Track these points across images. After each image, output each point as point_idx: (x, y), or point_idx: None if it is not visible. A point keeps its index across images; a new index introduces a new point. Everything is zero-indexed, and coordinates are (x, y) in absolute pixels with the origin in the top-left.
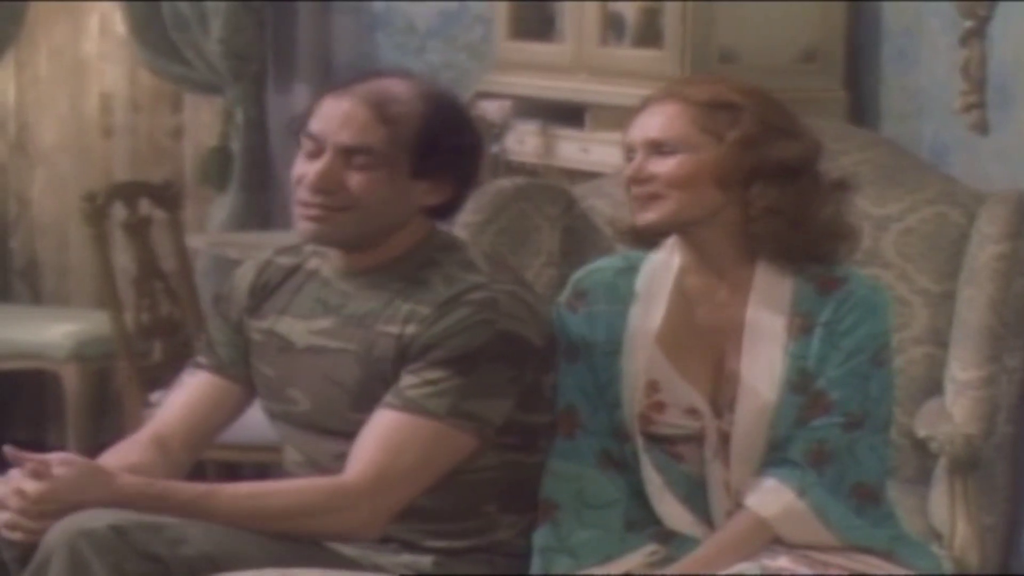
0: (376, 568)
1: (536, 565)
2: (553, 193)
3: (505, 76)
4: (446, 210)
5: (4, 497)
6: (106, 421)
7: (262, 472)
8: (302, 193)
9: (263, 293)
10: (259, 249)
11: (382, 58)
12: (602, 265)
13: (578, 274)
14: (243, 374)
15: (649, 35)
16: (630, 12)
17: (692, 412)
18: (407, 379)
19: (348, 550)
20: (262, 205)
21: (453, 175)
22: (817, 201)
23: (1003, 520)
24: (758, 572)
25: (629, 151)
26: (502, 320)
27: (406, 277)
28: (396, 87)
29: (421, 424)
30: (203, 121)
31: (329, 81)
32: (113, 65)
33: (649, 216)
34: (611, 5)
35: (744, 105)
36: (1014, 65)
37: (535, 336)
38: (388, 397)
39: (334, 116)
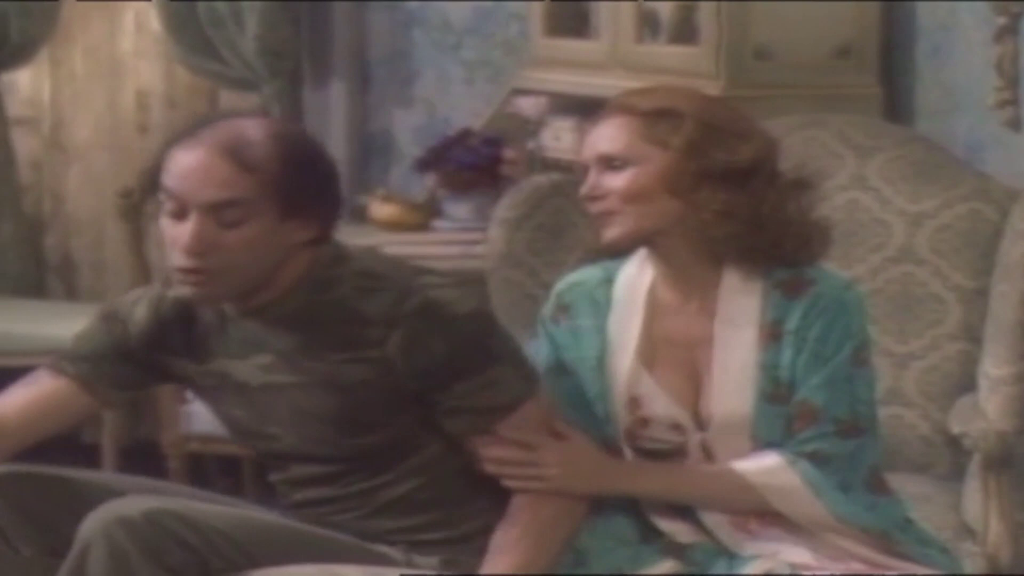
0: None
1: None
2: None
3: (541, 73)
4: (320, 240)
5: None
6: (141, 418)
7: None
8: (178, 258)
9: (170, 333)
10: None
11: (417, 55)
12: (582, 277)
13: (559, 287)
14: (103, 390)
15: (684, 32)
16: (665, 9)
17: (675, 427)
18: (471, 396)
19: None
20: None
21: (319, 208)
22: (773, 201)
23: None
24: (788, 572)
25: (584, 167)
26: (458, 300)
27: (314, 304)
28: (247, 131)
29: (521, 412)
30: None
31: (180, 133)
32: (149, 62)
33: (610, 233)
34: (646, 2)
35: (686, 111)
36: None
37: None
38: (472, 426)
39: (192, 172)
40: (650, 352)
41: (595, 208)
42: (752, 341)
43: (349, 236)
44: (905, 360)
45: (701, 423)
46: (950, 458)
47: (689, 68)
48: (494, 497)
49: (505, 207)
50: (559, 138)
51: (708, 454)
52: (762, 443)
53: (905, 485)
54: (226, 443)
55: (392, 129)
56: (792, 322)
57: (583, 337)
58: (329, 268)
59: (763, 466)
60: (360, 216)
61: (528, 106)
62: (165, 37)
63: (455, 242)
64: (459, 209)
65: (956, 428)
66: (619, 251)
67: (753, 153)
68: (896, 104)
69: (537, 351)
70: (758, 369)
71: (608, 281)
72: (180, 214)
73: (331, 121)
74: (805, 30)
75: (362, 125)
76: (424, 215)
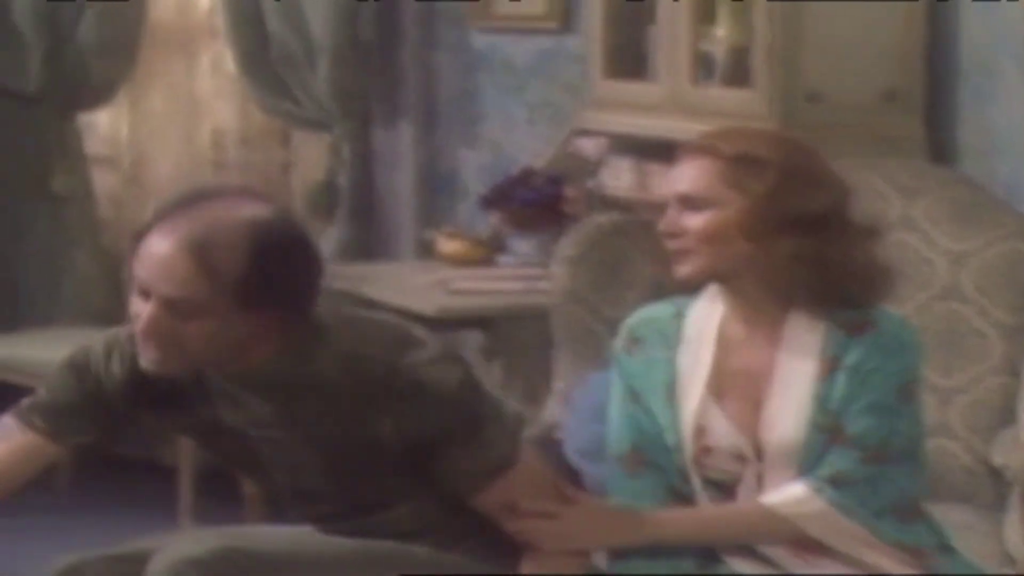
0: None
1: None
2: (647, 229)
3: (601, 114)
4: (291, 322)
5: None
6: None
7: None
8: (137, 333)
9: (160, 385)
10: (365, 281)
11: (483, 96)
12: (654, 312)
13: (631, 320)
14: (72, 440)
15: (738, 75)
16: (719, 51)
17: (737, 456)
18: (463, 462)
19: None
20: (367, 237)
21: (290, 297)
22: (846, 248)
23: None
24: None
25: (665, 200)
26: (443, 376)
27: (290, 377)
28: (221, 224)
29: (514, 470)
30: (311, 156)
31: (162, 212)
32: (224, 102)
33: (683, 270)
34: (701, 44)
35: (769, 158)
36: None
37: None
38: (466, 487)
39: (156, 264)
40: (717, 384)
41: (671, 245)
42: (811, 374)
43: (417, 271)
44: (949, 394)
45: (760, 454)
46: (993, 489)
47: (743, 110)
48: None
49: (567, 246)
50: (618, 177)
51: (761, 484)
52: (805, 472)
53: (949, 514)
54: None
55: (458, 168)
56: (851, 358)
57: (654, 368)
58: (307, 344)
59: (791, 496)
60: (427, 251)
61: (589, 146)
62: (240, 78)
63: (518, 277)
64: (522, 245)
65: (998, 460)
66: (691, 287)
67: (829, 201)
68: (940, 146)
69: (598, 382)
70: (813, 400)
71: (679, 316)
72: (144, 295)
73: (400, 160)
74: (854, 73)
75: (429, 164)
76: (489, 250)
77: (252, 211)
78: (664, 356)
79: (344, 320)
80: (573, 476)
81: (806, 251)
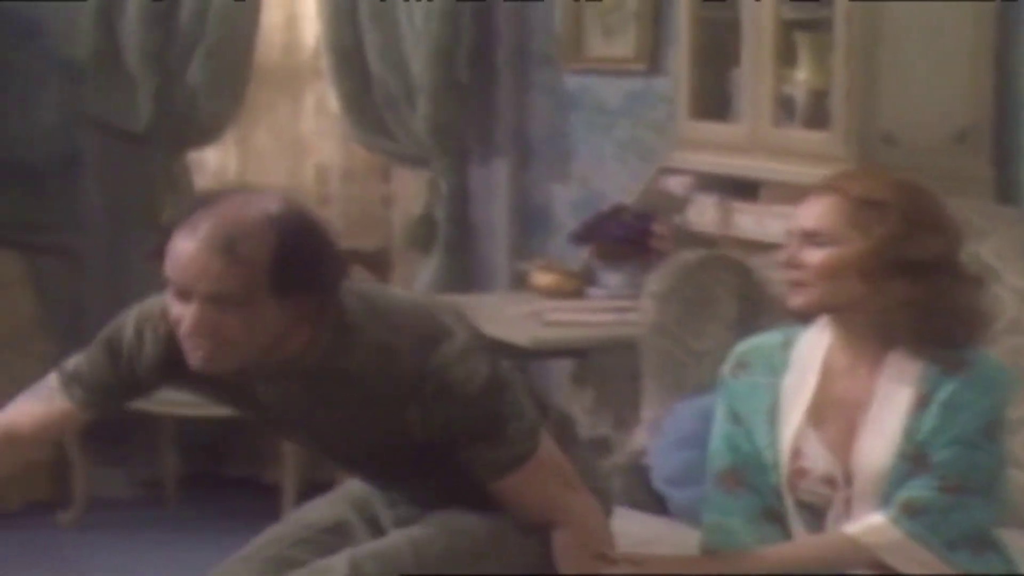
0: None
1: None
2: (731, 265)
3: (687, 153)
4: (325, 305)
5: None
6: (322, 460)
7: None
8: (183, 336)
9: (184, 366)
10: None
11: (574, 134)
12: (763, 340)
13: (741, 346)
14: (101, 412)
15: (817, 117)
16: (799, 94)
17: (828, 481)
18: (484, 454)
19: None
20: (464, 268)
21: (317, 282)
22: (954, 294)
23: None
24: None
25: (789, 236)
26: (471, 375)
27: (324, 368)
28: (241, 219)
29: (534, 464)
30: (410, 191)
31: (183, 217)
32: (328, 139)
33: (796, 301)
34: (783, 87)
35: (893, 203)
36: None
37: (480, 346)
38: (486, 475)
39: (188, 265)
40: (816, 410)
41: (789, 276)
42: (905, 407)
43: (511, 302)
44: (1016, 425)
45: (849, 479)
46: None
47: (822, 151)
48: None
49: (655, 282)
50: (703, 214)
51: (848, 510)
52: (887, 499)
53: (1015, 541)
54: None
55: (551, 203)
56: (943, 393)
57: (758, 391)
58: (340, 336)
59: (869, 526)
60: (521, 282)
61: (675, 184)
62: (343, 116)
63: (608, 309)
64: (612, 278)
65: None
66: (803, 318)
67: (944, 247)
68: (1008, 186)
69: (684, 411)
70: (903, 432)
71: (787, 344)
72: (183, 297)
73: (495, 195)
74: (927, 116)
75: (523, 199)
76: (580, 283)
77: (264, 204)
78: (768, 381)
79: (376, 311)
80: (660, 502)
81: (916, 295)
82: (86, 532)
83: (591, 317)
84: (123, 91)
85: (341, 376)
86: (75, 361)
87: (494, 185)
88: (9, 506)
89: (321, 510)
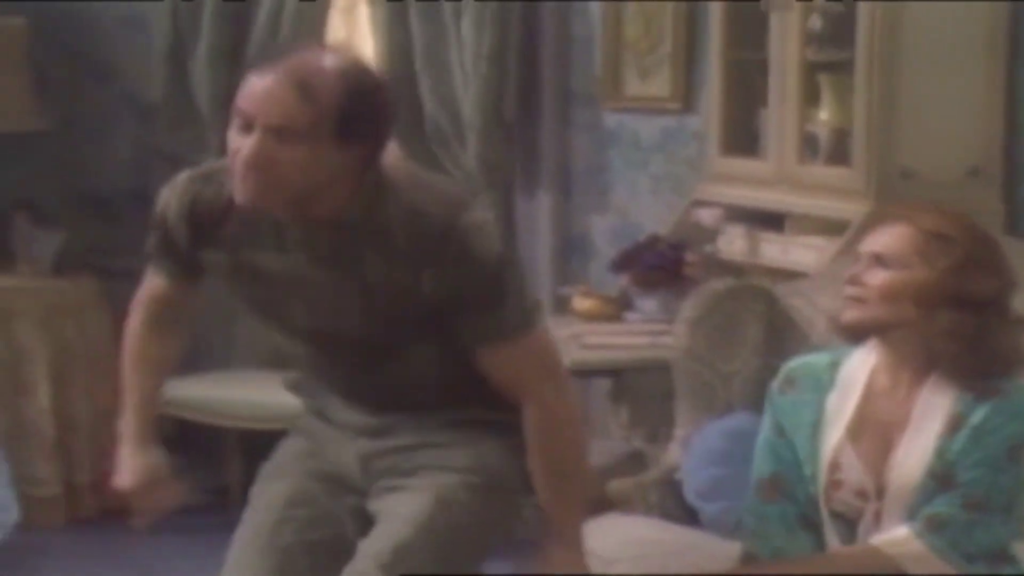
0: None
1: None
2: (758, 293)
3: (717, 187)
4: (370, 160)
5: None
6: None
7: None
8: (238, 166)
9: (205, 225)
10: None
11: (612, 168)
12: (811, 359)
13: (791, 364)
14: (185, 280)
15: (839, 154)
16: (823, 132)
17: (860, 493)
18: (482, 320)
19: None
20: None
21: (374, 135)
22: (999, 333)
23: None
24: None
25: (858, 256)
26: (489, 245)
27: (359, 224)
28: (317, 63)
29: (526, 341)
30: None
31: (259, 59)
32: None
33: (850, 315)
34: (807, 126)
35: (958, 239)
36: None
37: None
38: (479, 342)
39: (261, 96)
40: (856, 427)
41: (849, 291)
42: (938, 429)
43: (553, 325)
44: None
45: (881, 493)
46: None
47: (843, 186)
48: (488, 400)
49: (688, 309)
50: (732, 244)
51: (878, 520)
52: (915, 513)
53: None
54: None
55: (590, 233)
56: (975, 418)
57: (803, 407)
58: (378, 193)
59: (894, 538)
60: (563, 306)
61: (706, 216)
62: (398, 153)
63: (644, 332)
64: (647, 304)
65: None
66: (854, 333)
67: (997, 288)
68: (1016, 218)
69: (714, 429)
70: (935, 452)
71: (834, 364)
72: (245, 128)
73: (538, 225)
74: (942, 152)
75: (565, 228)
76: (617, 308)
77: (339, 55)
78: (814, 398)
79: (410, 177)
80: (692, 514)
81: (964, 329)
82: (158, 537)
83: (627, 340)
84: (192, 128)
85: (372, 233)
86: (149, 242)
87: (538, 216)
88: (87, 513)
89: (282, 487)
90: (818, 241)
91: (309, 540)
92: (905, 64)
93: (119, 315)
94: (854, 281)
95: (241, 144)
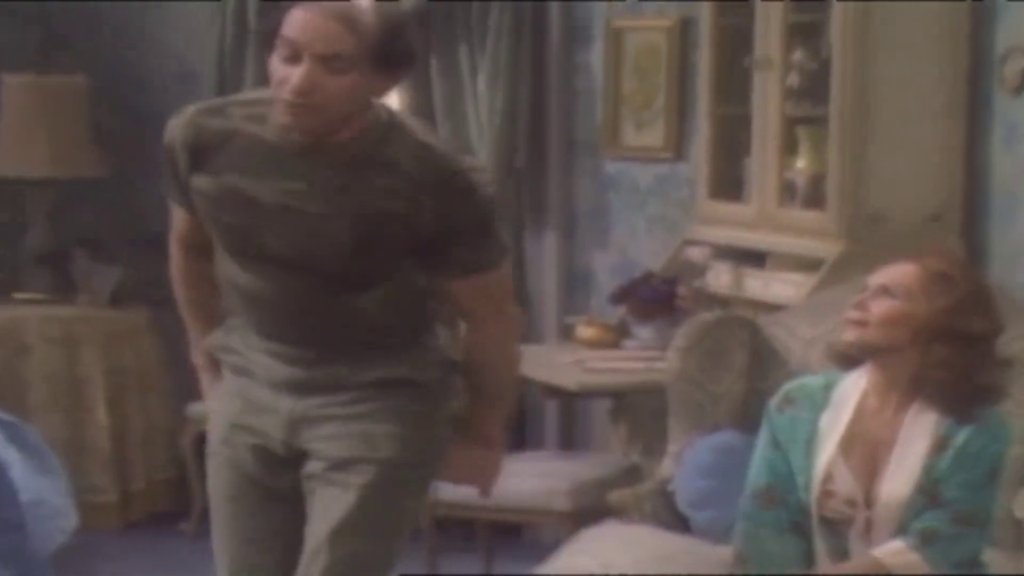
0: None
1: None
2: (742, 323)
3: (705, 228)
4: (387, 92)
5: None
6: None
7: (535, 531)
8: (285, 94)
9: (205, 152)
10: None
11: (612, 210)
12: (808, 381)
13: (789, 385)
14: (193, 211)
15: (815, 198)
16: (800, 179)
17: (850, 502)
18: (466, 252)
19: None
20: (520, 323)
21: (399, 67)
22: (984, 369)
23: None
24: None
25: (865, 287)
26: (486, 186)
27: (370, 154)
28: (360, 1)
29: (495, 274)
30: None
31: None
32: None
33: (851, 335)
34: (786, 173)
35: (959, 281)
36: None
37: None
38: (454, 274)
39: (310, 27)
40: (847, 443)
41: (853, 315)
42: (925, 448)
43: (559, 352)
44: None
45: (869, 502)
46: (1013, 533)
47: (818, 228)
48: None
49: (680, 338)
50: (719, 279)
51: (869, 528)
52: (904, 525)
53: (995, 559)
54: (469, 509)
55: (592, 268)
56: (958, 440)
57: (799, 424)
58: (389, 129)
59: (891, 549)
60: (568, 334)
61: (696, 254)
62: None
63: (640, 358)
64: (643, 332)
65: (1018, 513)
66: (850, 355)
67: (987, 330)
68: (974, 257)
69: (703, 445)
70: (922, 470)
71: (828, 386)
72: (293, 59)
73: (546, 261)
74: (907, 199)
75: (570, 264)
76: (617, 336)
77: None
78: (809, 416)
79: (419, 123)
80: (684, 522)
81: (956, 362)
82: (205, 539)
83: (626, 365)
84: None
85: (381, 165)
86: (164, 177)
87: (545, 253)
88: (136, 518)
89: (221, 484)
90: (796, 277)
91: (262, 526)
92: (874, 118)
93: (168, 341)
94: (859, 307)
95: (288, 73)
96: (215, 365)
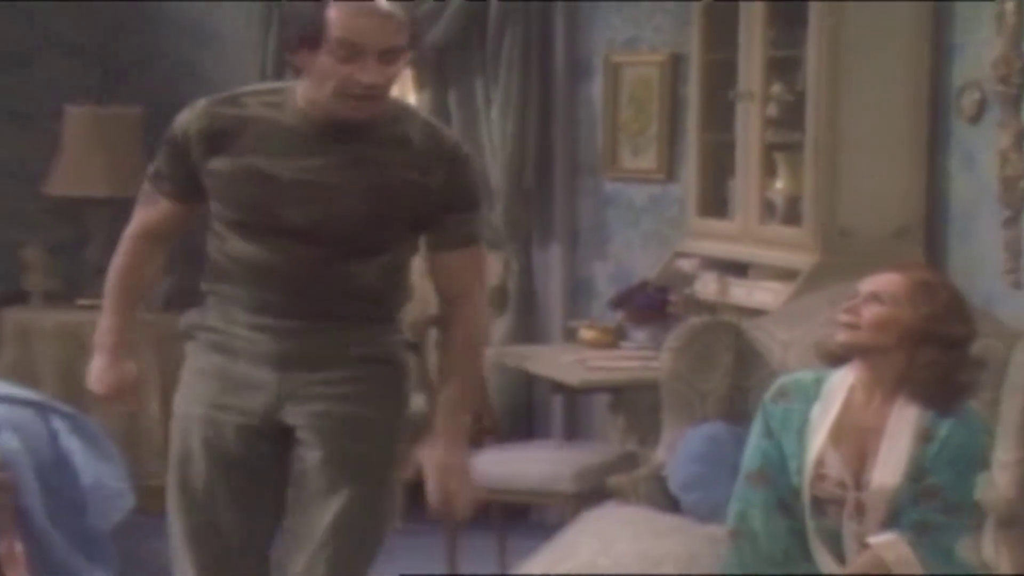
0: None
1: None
2: (727, 327)
3: (695, 242)
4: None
5: None
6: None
7: (543, 511)
8: (357, 90)
9: (221, 137)
10: (526, 359)
11: (610, 226)
12: (801, 376)
13: (783, 379)
14: (189, 200)
15: (792, 216)
16: (779, 199)
17: (841, 484)
18: (456, 221)
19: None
20: (528, 326)
21: (415, 47)
22: (962, 370)
23: None
24: None
25: (855, 293)
26: (475, 164)
27: (388, 132)
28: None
29: (480, 248)
30: (489, 268)
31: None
32: None
33: (842, 337)
34: (766, 193)
35: (940, 290)
36: None
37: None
38: (445, 242)
39: (369, 28)
40: (837, 432)
41: (844, 319)
42: (910, 438)
43: (563, 352)
44: None
45: (859, 485)
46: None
47: (795, 242)
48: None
49: (672, 340)
50: (707, 287)
51: (860, 510)
52: (897, 505)
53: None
54: (508, 493)
55: (593, 277)
56: (941, 431)
57: (791, 415)
58: (401, 110)
59: (886, 541)
60: (571, 336)
61: (686, 265)
62: None
63: (636, 358)
64: (639, 335)
65: (977, 495)
66: (839, 356)
67: (965, 334)
68: (936, 268)
69: (693, 435)
70: (909, 459)
71: (819, 381)
72: (351, 58)
73: (551, 271)
74: (874, 216)
75: (573, 274)
76: (615, 338)
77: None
78: (802, 408)
79: (419, 108)
80: (675, 504)
81: (939, 363)
82: None
83: (623, 364)
84: None
85: (396, 140)
86: (155, 165)
87: (551, 264)
88: (153, 509)
89: (202, 477)
90: (775, 286)
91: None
92: (845, 145)
93: None
94: (851, 311)
95: (351, 70)
96: (117, 351)
